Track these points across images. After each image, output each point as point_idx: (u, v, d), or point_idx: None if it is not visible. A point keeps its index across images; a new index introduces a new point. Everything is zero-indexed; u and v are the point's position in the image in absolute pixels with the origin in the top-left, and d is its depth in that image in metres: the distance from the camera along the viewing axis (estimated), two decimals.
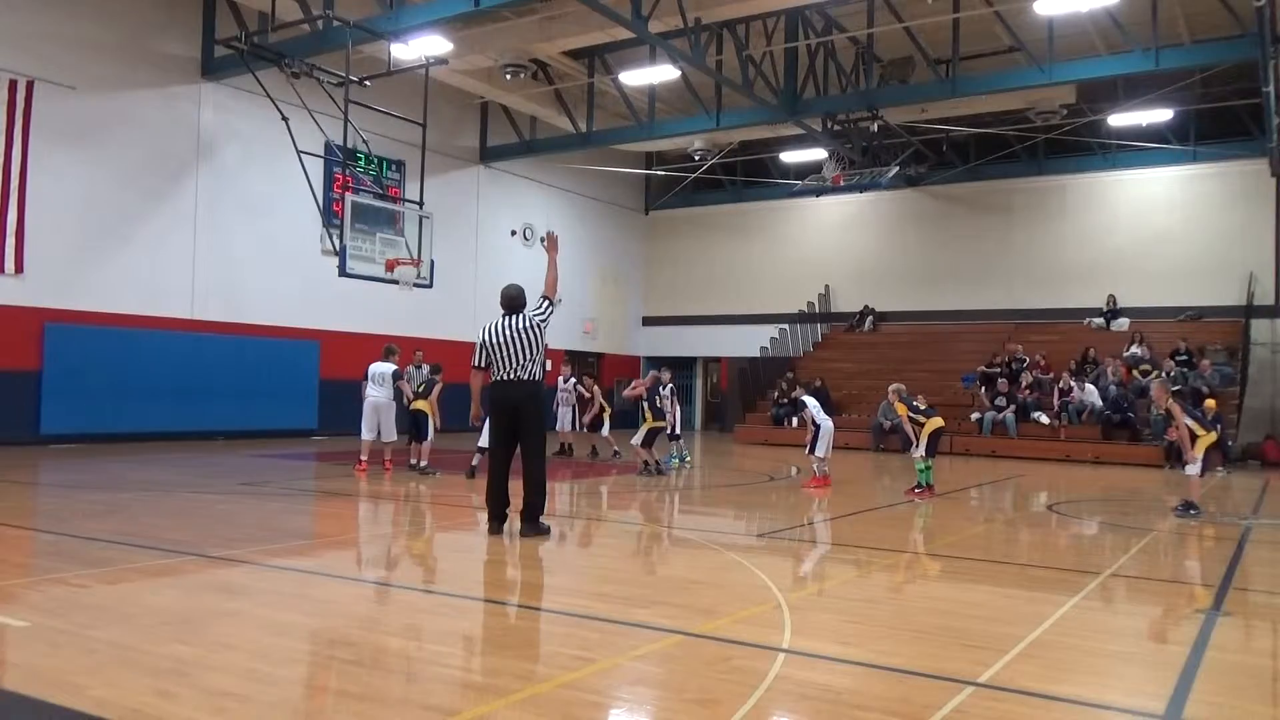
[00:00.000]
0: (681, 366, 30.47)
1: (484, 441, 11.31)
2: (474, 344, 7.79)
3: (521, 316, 7.78)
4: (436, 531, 8.79)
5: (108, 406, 16.67)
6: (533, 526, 7.61)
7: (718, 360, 29.87)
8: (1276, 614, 5.99)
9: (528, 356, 7.66)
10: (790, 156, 25.37)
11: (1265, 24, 14.90)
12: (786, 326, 27.78)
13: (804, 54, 20.19)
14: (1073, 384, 21.02)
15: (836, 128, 21.67)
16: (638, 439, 13.52)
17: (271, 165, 19.00)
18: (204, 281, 18.51)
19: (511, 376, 7.63)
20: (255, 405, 18.84)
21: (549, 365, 7.31)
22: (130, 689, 3.70)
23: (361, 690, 3.83)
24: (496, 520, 7.70)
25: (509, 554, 7.77)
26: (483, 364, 7.74)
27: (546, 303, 7.96)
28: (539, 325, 7.79)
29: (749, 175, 28.86)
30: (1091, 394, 20.40)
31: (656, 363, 30.04)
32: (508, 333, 7.72)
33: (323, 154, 18.02)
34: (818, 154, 23.59)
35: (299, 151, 16.50)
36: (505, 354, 7.67)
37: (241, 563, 6.35)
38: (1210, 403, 18.62)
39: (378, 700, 3.70)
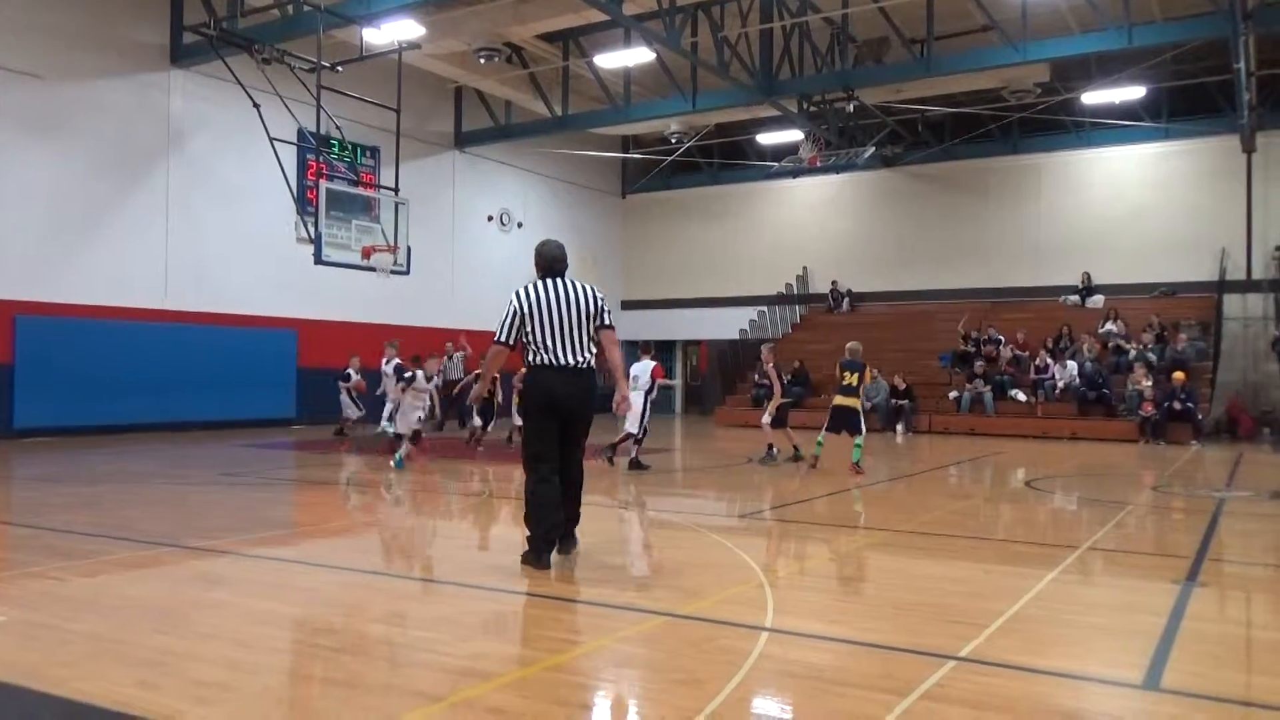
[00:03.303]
0: (661, 350, 30.51)
1: (397, 426, 12.67)
2: (510, 311, 5.93)
3: (575, 283, 6.05)
4: (418, 518, 8.77)
5: (82, 399, 16.49)
6: (573, 540, 6.26)
7: (697, 343, 29.91)
8: (1250, 584, 6.08)
9: (588, 336, 5.94)
10: (766, 138, 25.37)
11: (1236, 1, 14.99)
12: (765, 308, 27.83)
13: (779, 35, 20.14)
14: (1049, 361, 21.21)
15: (812, 109, 21.66)
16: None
17: (244, 153, 18.79)
18: (177, 271, 18.32)
19: (570, 361, 5.83)
20: (232, 395, 18.70)
21: (590, 350, 5.99)
22: (111, 681, 3.68)
23: (346, 677, 3.82)
24: (547, 549, 5.89)
25: (493, 538, 7.76)
26: (512, 339, 5.95)
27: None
28: (603, 300, 6.11)
29: (726, 157, 28.83)
30: (1072, 370, 20.61)
31: (634, 346, 30.16)
32: (565, 299, 5.90)
33: (295, 141, 17.81)
34: (794, 135, 23.58)
35: (271, 139, 16.31)
36: (562, 328, 5.85)
37: (222, 553, 6.31)
38: (1179, 375, 18.92)
39: (362, 687, 3.69)
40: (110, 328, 17.01)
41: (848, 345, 12.47)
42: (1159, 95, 22.93)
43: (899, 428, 21.06)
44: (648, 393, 12.44)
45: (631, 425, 11.98)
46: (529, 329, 5.87)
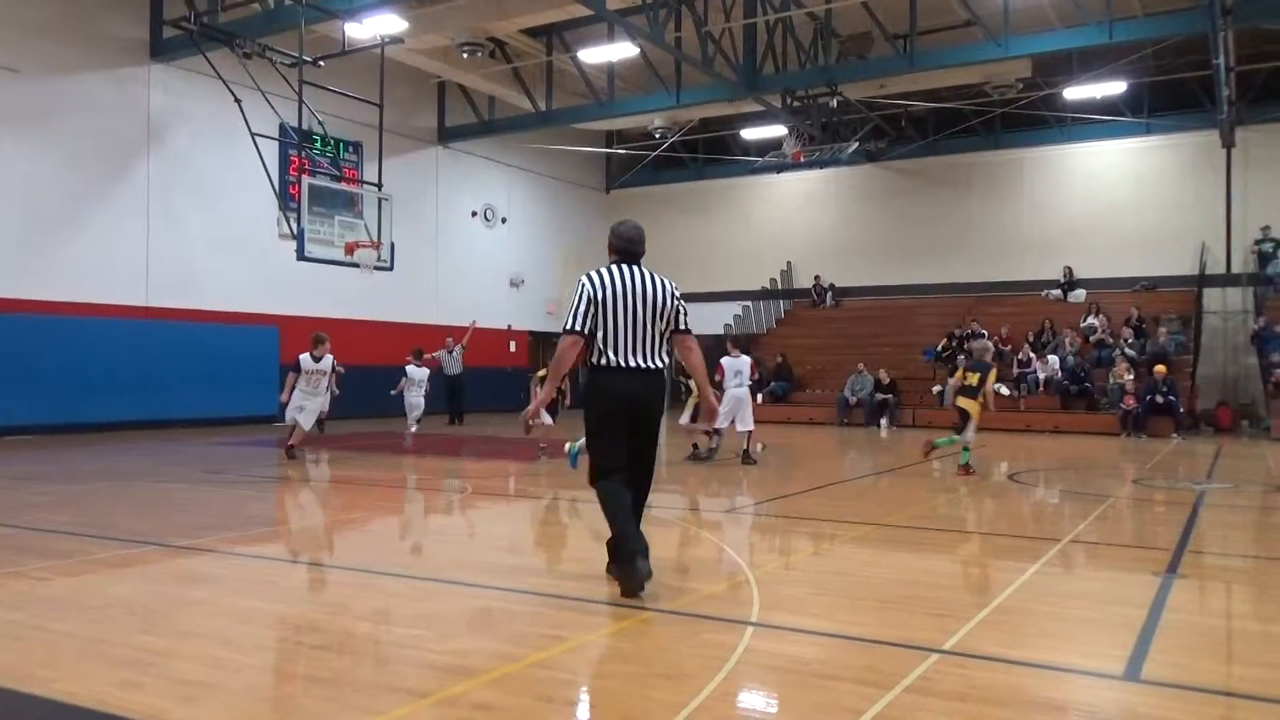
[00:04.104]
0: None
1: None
2: (582, 296, 5.14)
3: (652, 275, 5.27)
4: (403, 515, 8.75)
5: (61, 397, 16.34)
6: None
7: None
8: (1229, 575, 6.14)
9: (661, 336, 5.21)
10: (751, 133, 25.38)
11: None
12: (749, 304, 27.87)
13: (763, 30, 20.16)
14: (1032, 355, 21.34)
15: (796, 104, 21.69)
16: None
17: (225, 148, 18.66)
18: (158, 267, 18.18)
19: (641, 363, 5.12)
20: (214, 392, 18.58)
21: (662, 352, 5.25)
22: (95, 680, 3.66)
23: (331, 675, 3.82)
24: (644, 557, 4.99)
25: (476, 535, 7.76)
26: (586, 328, 5.14)
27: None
28: (680, 299, 5.35)
29: (710, 153, 28.84)
30: (1054, 364, 20.75)
31: None
32: (640, 291, 5.14)
33: (277, 136, 17.72)
34: (778, 131, 23.61)
35: (253, 134, 16.22)
36: (634, 325, 5.10)
37: (205, 551, 6.28)
38: (1160, 368, 19.08)
39: (347, 685, 3.69)
40: (91, 325, 16.87)
41: (974, 345, 12.06)
42: (1140, 90, 23.08)
43: (883, 422, 21.16)
44: (750, 388, 13.21)
45: (747, 423, 12.69)
46: (604, 319, 5.11)
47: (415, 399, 14.54)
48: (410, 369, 14.64)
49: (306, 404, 12.39)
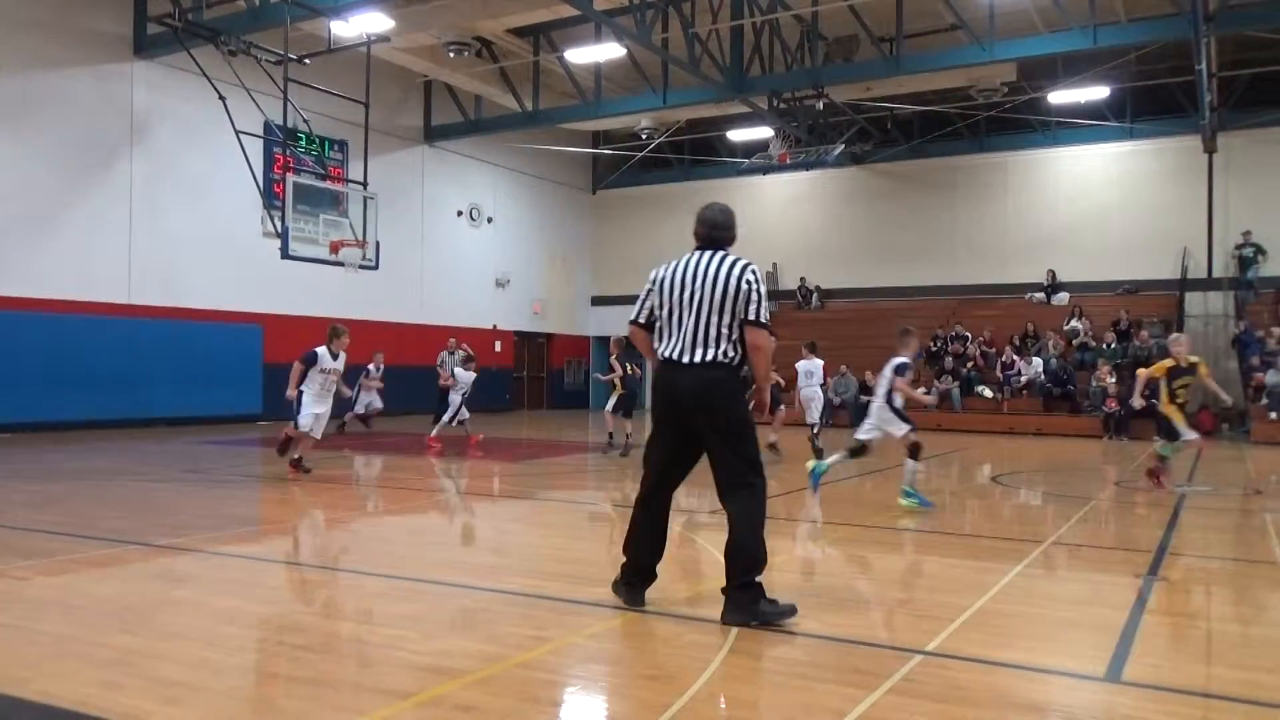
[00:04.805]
0: (632, 346, 30.49)
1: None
2: (646, 286, 4.90)
3: (722, 259, 4.74)
4: (386, 515, 8.72)
5: (43, 395, 16.22)
6: (745, 610, 4.52)
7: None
8: (1209, 577, 6.19)
9: (726, 327, 4.65)
10: (737, 135, 25.42)
11: (1198, 3, 15.23)
12: None
13: (750, 32, 20.20)
14: (1015, 358, 21.45)
15: (782, 106, 21.74)
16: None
17: (209, 146, 18.55)
18: (141, 265, 18.06)
19: (689, 357, 4.66)
20: (197, 391, 18.48)
21: (726, 345, 4.64)
22: (76, 681, 3.63)
23: (314, 676, 3.80)
24: (638, 581, 4.90)
25: (461, 536, 7.74)
26: (644, 318, 4.90)
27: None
28: (754, 278, 4.68)
29: (696, 154, 28.85)
30: (1037, 367, 20.87)
31: (606, 342, 30.17)
32: (701, 277, 4.69)
33: (262, 134, 17.63)
34: (764, 132, 23.66)
35: (237, 132, 16.13)
36: (688, 314, 4.69)
37: (188, 550, 6.25)
38: (1142, 371, 19.20)
39: (331, 685, 3.67)
40: (72, 322, 16.75)
41: (1178, 348, 11.35)
42: (1123, 95, 23.25)
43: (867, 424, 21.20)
44: (822, 386, 14.18)
45: (813, 415, 13.86)
46: (661, 307, 4.78)
47: (456, 398, 14.65)
48: (460, 371, 14.74)
49: (321, 410, 10.42)
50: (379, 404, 17.51)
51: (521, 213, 27.73)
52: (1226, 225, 22.87)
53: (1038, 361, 21.01)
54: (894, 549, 6.99)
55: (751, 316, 4.64)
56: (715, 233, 4.86)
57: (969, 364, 21.97)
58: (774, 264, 28.20)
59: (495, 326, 26.25)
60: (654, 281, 4.84)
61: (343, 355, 10.69)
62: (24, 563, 5.79)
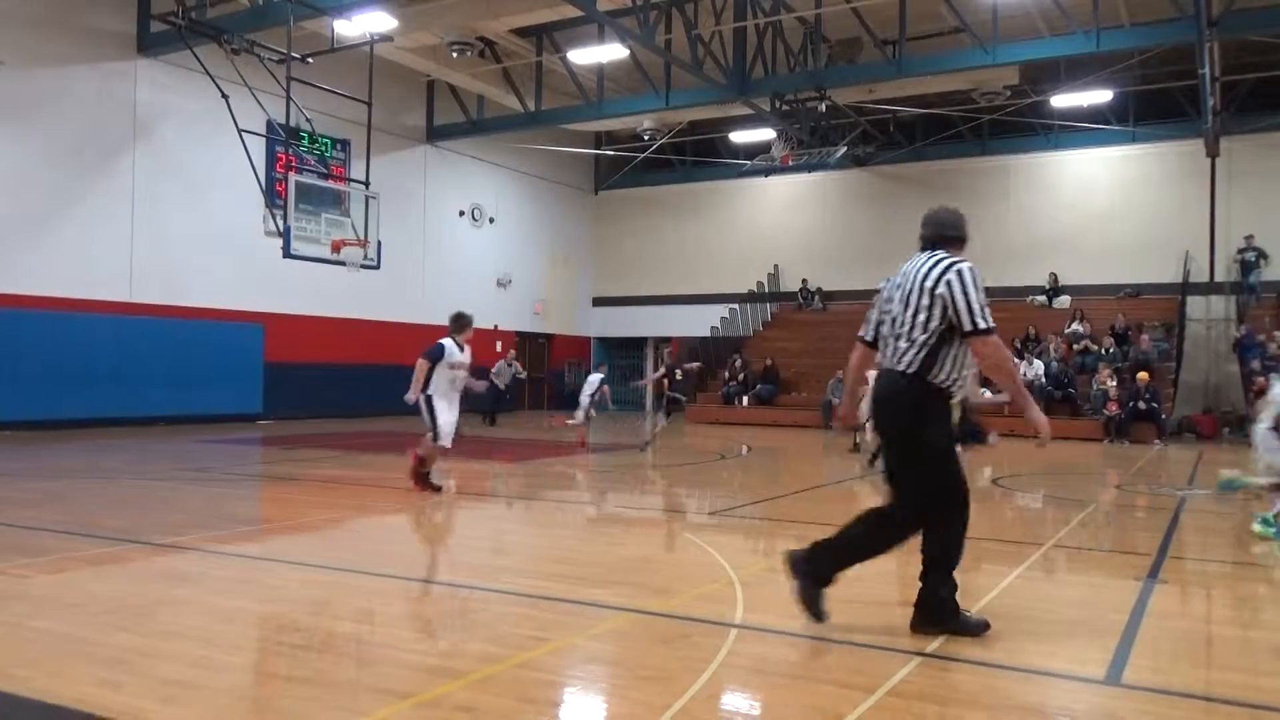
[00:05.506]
0: (632, 347, 30.54)
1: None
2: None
3: (930, 259, 4.38)
4: (386, 514, 8.71)
5: (43, 392, 16.22)
6: (933, 621, 4.40)
7: (668, 340, 29.92)
8: (1210, 581, 6.18)
9: (911, 329, 4.32)
10: (739, 136, 25.41)
11: (1201, 7, 15.22)
12: (736, 306, 27.91)
13: (753, 33, 20.20)
14: (1016, 360, 21.43)
15: (785, 108, 21.74)
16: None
17: (211, 144, 18.55)
18: (142, 263, 18.06)
19: (885, 364, 4.47)
20: (197, 390, 18.48)
21: (913, 354, 4.31)
22: (74, 679, 3.63)
23: (313, 675, 3.80)
24: (813, 582, 4.50)
25: (461, 536, 7.74)
26: (870, 336, 4.65)
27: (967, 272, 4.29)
28: (957, 279, 4.25)
29: (698, 155, 28.84)
30: (1038, 370, 20.86)
31: (608, 343, 30.16)
32: (903, 278, 4.45)
33: (265, 133, 17.61)
34: (766, 134, 23.64)
35: (240, 130, 16.13)
36: (892, 317, 4.45)
37: (187, 549, 6.25)
38: (1143, 375, 19.21)
39: (329, 685, 3.67)
40: (74, 320, 16.76)
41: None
42: (1126, 99, 23.24)
43: (868, 426, 21.20)
44: None
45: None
46: (880, 320, 4.56)
47: (585, 399, 15.54)
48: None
49: (454, 415, 9.16)
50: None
51: (523, 213, 27.74)
52: (1229, 229, 22.85)
53: (1039, 364, 20.98)
54: (895, 550, 6.97)
55: (964, 326, 4.20)
56: (939, 232, 4.51)
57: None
58: (776, 266, 28.20)
59: (496, 327, 26.24)
60: (879, 293, 4.62)
61: (468, 348, 9.29)
62: (24, 561, 5.79)
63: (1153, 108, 23.60)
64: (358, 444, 14.97)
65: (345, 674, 3.84)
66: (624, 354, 30.54)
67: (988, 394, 11.71)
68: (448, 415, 8.94)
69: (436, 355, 8.92)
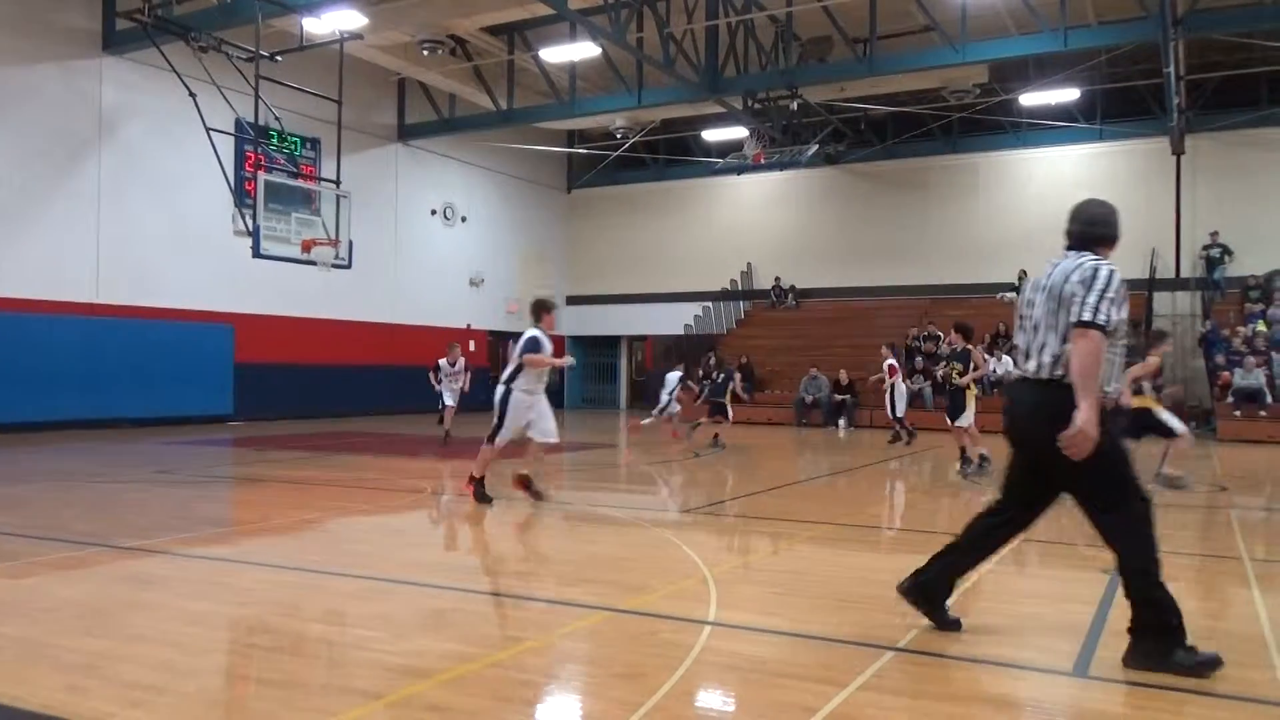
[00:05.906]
0: (606, 345, 30.54)
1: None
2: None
3: (1072, 260, 4.05)
4: (359, 515, 8.66)
5: (10, 394, 15.96)
6: (1151, 654, 3.90)
7: (643, 339, 29.94)
8: (1176, 573, 6.24)
9: (1048, 332, 4.05)
10: (712, 135, 25.44)
11: (1167, 7, 15.43)
12: (710, 304, 27.97)
13: (724, 32, 20.25)
14: (987, 356, 21.60)
15: (757, 106, 21.81)
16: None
17: (179, 143, 18.34)
18: (109, 264, 17.83)
19: (1023, 370, 4.20)
20: (166, 391, 18.26)
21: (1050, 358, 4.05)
22: (40, 685, 3.58)
23: (283, 677, 3.77)
24: (928, 599, 4.46)
25: (434, 535, 7.71)
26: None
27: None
28: (1092, 275, 3.91)
29: (671, 153, 28.87)
30: (1008, 365, 21.04)
31: (581, 341, 30.11)
32: (1046, 278, 4.14)
33: (233, 132, 17.45)
34: (739, 132, 23.70)
35: (208, 129, 15.97)
36: (1030, 319, 4.18)
37: (155, 553, 6.18)
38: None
39: (300, 687, 3.64)
40: (39, 321, 16.52)
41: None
42: (1093, 97, 23.51)
43: (841, 422, 21.34)
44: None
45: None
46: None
47: (665, 396, 16.58)
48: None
49: (539, 410, 8.57)
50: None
51: (496, 212, 27.65)
52: (1194, 226, 23.19)
53: (1008, 360, 21.16)
54: (865, 547, 7.02)
55: (1078, 316, 3.88)
56: (1088, 230, 4.14)
57: (941, 363, 22.10)
58: (748, 263, 28.29)
59: (469, 326, 26.14)
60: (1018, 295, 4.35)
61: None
62: None
63: (1119, 106, 23.91)
64: (329, 445, 14.86)
65: (316, 675, 3.81)
66: (598, 352, 30.53)
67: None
68: (530, 409, 8.34)
69: (537, 347, 8.25)
